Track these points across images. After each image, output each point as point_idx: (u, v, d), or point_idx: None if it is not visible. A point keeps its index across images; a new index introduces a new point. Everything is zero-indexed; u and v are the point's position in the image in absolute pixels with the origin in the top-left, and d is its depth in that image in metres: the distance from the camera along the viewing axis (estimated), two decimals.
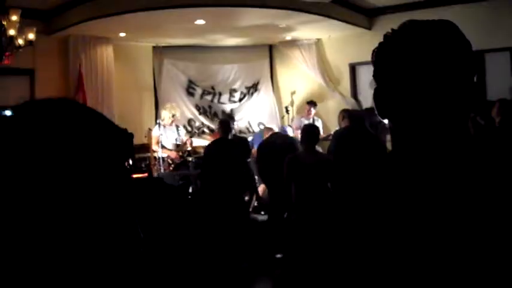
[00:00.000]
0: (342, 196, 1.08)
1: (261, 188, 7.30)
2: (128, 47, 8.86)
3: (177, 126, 7.91)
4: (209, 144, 6.71)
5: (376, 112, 1.04)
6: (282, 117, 9.85)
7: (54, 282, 0.73)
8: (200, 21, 7.60)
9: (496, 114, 5.73)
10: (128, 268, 0.80)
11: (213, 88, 9.84)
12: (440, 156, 0.95)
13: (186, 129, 8.95)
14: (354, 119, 6.36)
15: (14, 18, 5.79)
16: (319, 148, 6.48)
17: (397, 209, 0.93)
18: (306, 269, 1.04)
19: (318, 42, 9.65)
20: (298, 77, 9.90)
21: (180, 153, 7.71)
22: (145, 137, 7.75)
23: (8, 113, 0.84)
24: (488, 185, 0.91)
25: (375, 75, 1.03)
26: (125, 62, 8.74)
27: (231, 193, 6.10)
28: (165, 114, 7.78)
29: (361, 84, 9.42)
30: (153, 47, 9.29)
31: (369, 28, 8.91)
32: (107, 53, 8.29)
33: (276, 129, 7.75)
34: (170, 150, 7.64)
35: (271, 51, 10.34)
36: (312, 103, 8.94)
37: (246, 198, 7.22)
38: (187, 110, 9.53)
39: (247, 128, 9.82)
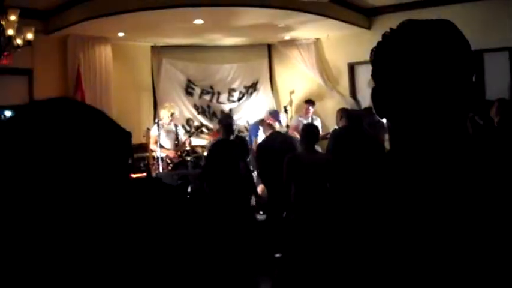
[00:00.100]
0: (340, 196, 1.08)
1: (260, 188, 7.30)
2: (126, 46, 8.84)
3: (176, 126, 7.91)
4: (211, 146, 6.67)
5: (374, 111, 1.04)
6: None
7: (54, 281, 0.73)
8: (199, 21, 7.60)
9: (495, 113, 5.73)
10: (127, 267, 0.80)
11: (211, 88, 9.83)
12: (438, 155, 0.95)
13: (185, 129, 8.94)
14: (352, 118, 6.35)
15: (13, 18, 5.78)
16: (318, 148, 6.48)
17: (395, 208, 0.93)
18: (305, 268, 1.04)
19: (317, 41, 9.64)
20: (297, 77, 9.90)
21: (179, 153, 7.70)
22: (144, 136, 7.75)
23: (7, 113, 0.84)
24: (487, 185, 0.91)
25: (374, 75, 1.03)
26: (123, 62, 8.72)
27: (237, 194, 6.08)
28: (164, 113, 7.78)
29: (360, 84, 9.42)
30: (152, 47, 9.26)
31: (368, 28, 8.91)
32: (105, 52, 8.28)
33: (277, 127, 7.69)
34: (169, 149, 7.64)
35: (270, 51, 10.33)
36: (310, 102, 8.92)
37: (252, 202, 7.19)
38: (186, 109, 9.52)
39: (246, 128, 9.83)
